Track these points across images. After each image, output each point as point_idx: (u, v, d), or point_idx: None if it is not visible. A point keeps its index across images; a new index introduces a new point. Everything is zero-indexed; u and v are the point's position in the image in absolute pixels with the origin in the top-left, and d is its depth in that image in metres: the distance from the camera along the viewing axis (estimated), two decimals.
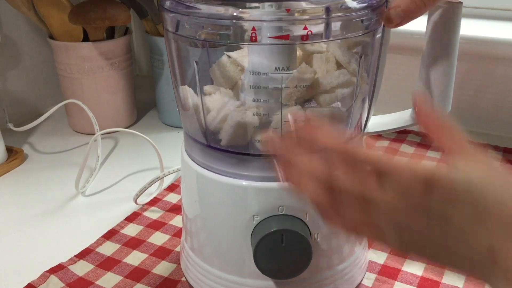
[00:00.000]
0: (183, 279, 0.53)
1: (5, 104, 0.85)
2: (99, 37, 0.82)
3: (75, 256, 0.56)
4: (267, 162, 0.42)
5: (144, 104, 0.98)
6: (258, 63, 0.42)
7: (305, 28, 0.38)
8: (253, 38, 0.38)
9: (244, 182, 0.43)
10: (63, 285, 0.52)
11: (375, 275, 0.53)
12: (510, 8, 0.84)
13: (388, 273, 0.54)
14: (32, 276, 0.52)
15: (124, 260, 0.56)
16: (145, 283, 0.52)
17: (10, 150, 0.78)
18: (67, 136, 0.87)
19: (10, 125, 0.82)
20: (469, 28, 0.81)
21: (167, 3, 0.43)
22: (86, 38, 0.82)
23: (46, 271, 0.53)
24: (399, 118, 0.51)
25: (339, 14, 0.40)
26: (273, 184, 0.42)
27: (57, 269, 0.53)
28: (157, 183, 0.69)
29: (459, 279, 0.52)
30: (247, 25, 0.39)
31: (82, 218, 0.65)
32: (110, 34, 0.85)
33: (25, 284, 0.51)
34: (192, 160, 0.46)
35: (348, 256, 0.48)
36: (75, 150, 0.82)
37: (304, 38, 0.39)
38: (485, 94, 0.85)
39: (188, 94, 0.46)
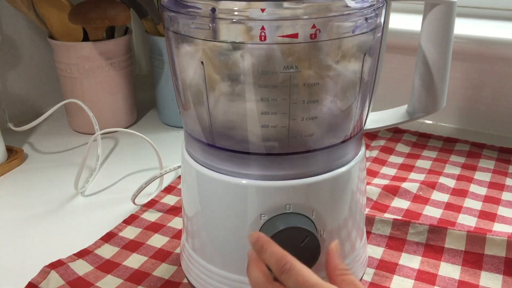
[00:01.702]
0: (185, 280, 0.52)
1: (5, 104, 0.85)
2: (99, 37, 0.82)
3: (73, 254, 0.56)
4: (269, 161, 0.43)
5: (144, 104, 0.98)
6: (264, 62, 0.42)
7: (314, 27, 0.38)
8: (262, 37, 0.38)
9: (248, 181, 0.43)
10: (63, 282, 0.51)
11: (374, 269, 0.53)
12: (510, 8, 0.84)
13: (386, 267, 0.54)
14: (32, 275, 0.52)
15: (124, 263, 0.55)
16: (146, 286, 0.52)
17: (10, 150, 0.78)
18: (67, 136, 0.87)
19: (10, 125, 0.82)
20: (468, 27, 0.81)
21: (168, 3, 0.42)
22: (86, 38, 0.82)
23: (46, 266, 0.53)
24: (395, 114, 0.52)
25: (339, 14, 0.39)
26: (281, 183, 0.42)
27: (57, 265, 0.53)
28: (157, 183, 0.69)
29: (455, 271, 0.53)
30: (253, 24, 0.38)
31: (81, 218, 0.64)
32: (110, 34, 0.85)
33: (24, 284, 0.51)
34: (193, 159, 0.46)
35: (350, 252, 0.48)
36: (75, 150, 0.82)
37: (313, 36, 0.39)
38: (482, 93, 0.85)
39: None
